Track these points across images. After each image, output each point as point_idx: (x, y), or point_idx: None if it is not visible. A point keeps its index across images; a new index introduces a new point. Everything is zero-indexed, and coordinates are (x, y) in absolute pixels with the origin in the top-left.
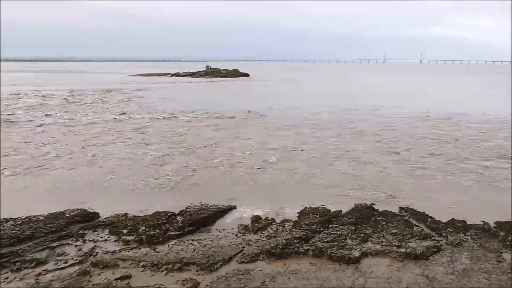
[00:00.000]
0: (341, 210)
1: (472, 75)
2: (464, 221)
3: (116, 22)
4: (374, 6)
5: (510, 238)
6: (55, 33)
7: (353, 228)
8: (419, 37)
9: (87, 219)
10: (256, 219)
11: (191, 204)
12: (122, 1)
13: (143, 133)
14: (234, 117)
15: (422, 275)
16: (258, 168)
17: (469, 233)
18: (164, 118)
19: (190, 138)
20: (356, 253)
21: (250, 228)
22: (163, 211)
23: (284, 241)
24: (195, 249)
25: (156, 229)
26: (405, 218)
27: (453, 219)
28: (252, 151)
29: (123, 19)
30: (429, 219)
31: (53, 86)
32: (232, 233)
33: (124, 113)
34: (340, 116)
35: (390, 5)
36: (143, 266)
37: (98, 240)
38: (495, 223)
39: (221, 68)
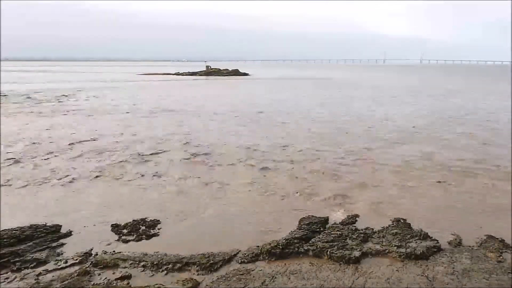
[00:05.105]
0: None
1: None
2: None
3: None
4: (374, 6)
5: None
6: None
7: (353, 228)
8: (419, 38)
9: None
10: None
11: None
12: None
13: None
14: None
15: (422, 275)
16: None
17: None
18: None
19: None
20: (357, 253)
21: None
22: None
23: (284, 241)
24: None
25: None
26: (404, 217)
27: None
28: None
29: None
30: None
31: None
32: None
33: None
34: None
35: (390, 5)
36: (143, 266)
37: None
38: None
39: (221, 68)
